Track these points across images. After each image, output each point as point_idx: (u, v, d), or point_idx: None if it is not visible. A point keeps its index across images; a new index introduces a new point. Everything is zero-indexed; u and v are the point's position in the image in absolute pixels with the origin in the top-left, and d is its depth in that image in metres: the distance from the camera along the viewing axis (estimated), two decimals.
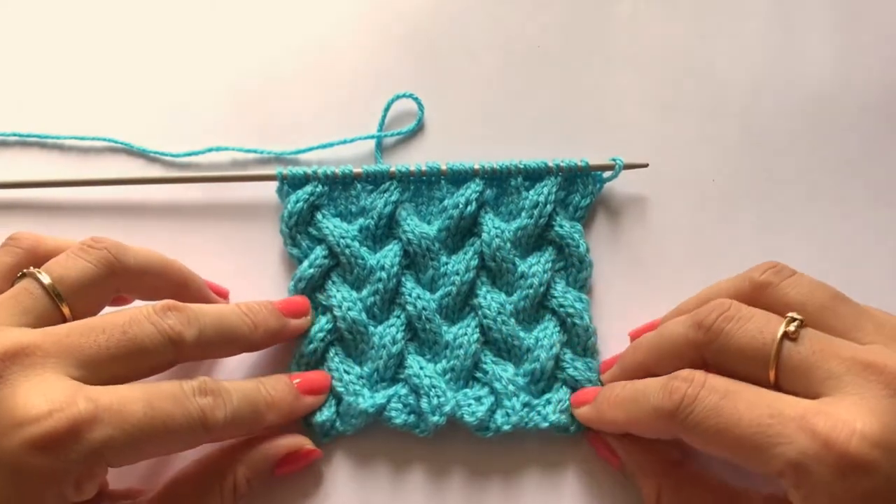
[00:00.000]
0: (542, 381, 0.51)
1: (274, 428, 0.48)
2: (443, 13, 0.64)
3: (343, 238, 0.53)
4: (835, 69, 0.61)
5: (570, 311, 0.52)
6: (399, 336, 0.51)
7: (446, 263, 0.53)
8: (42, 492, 0.38)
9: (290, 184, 0.55)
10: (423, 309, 0.52)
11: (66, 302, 0.44)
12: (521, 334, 0.52)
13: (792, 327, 0.42)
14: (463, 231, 0.54)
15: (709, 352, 0.44)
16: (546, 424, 0.49)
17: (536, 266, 0.53)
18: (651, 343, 0.47)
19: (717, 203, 0.57)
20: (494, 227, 0.53)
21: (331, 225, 0.53)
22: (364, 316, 0.52)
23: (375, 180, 0.55)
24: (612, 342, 0.53)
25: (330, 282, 0.53)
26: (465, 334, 0.51)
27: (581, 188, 0.55)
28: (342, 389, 0.50)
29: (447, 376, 0.51)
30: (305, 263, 0.53)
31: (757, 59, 0.62)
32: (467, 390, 0.51)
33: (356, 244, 0.53)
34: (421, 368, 0.51)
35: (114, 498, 0.45)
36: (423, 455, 0.50)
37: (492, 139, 0.59)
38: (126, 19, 0.64)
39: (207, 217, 0.57)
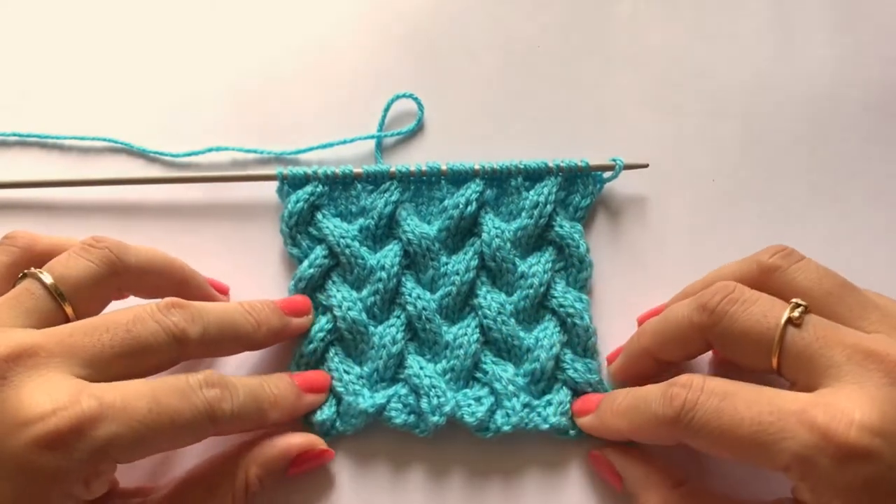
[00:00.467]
0: (543, 382, 0.51)
1: (278, 427, 0.48)
2: (443, 13, 0.64)
3: (343, 238, 0.53)
4: (835, 69, 0.61)
5: (571, 311, 0.52)
6: (399, 336, 0.51)
7: (446, 263, 0.53)
8: (50, 491, 0.38)
9: (291, 184, 0.55)
10: (424, 309, 0.52)
11: (69, 301, 0.44)
12: (522, 334, 0.52)
13: (796, 313, 0.42)
14: (463, 231, 0.54)
15: (712, 335, 0.44)
16: (546, 426, 0.49)
17: (536, 266, 0.53)
18: (655, 328, 0.47)
19: (717, 203, 0.57)
20: (494, 228, 0.53)
21: (331, 225, 0.53)
22: (364, 316, 0.52)
23: (376, 180, 0.55)
24: (613, 342, 0.53)
25: (330, 282, 0.53)
26: (466, 334, 0.51)
27: (581, 188, 0.55)
28: (342, 389, 0.50)
29: (447, 376, 0.51)
30: (305, 263, 0.53)
31: (757, 59, 0.62)
32: (467, 390, 0.51)
33: (356, 244, 0.53)
34: (421, 368, 0.51)
35: (124, 496, 0.45)
36: (423, 455, 0.50)
37: (491, 139, 0.59)
38: (126, 19, 0.64)
39: (207, 217, 0.57)
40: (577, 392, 0.51)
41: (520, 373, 0.51)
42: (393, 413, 0.50)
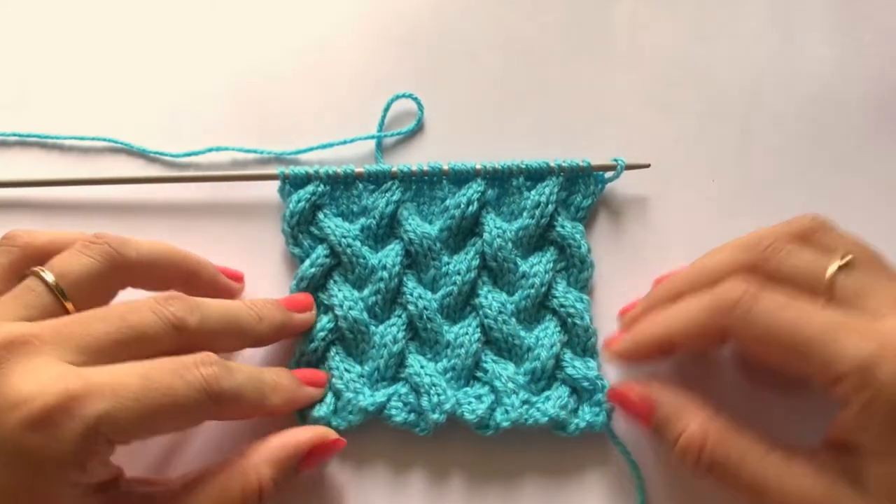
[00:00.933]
0: (543, 381, 0.51)
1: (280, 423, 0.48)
2: (443, 13, 0.64)
3: (345, 238, 0.53)
4: (835, 69, 0.61)
5: (571, 311, 0.52)
6: (400, 335, 0.51)
7: (448, 263, 0.53)
8: (45, 474, 0.38)
9: (292, 183, 0.55)
10: (425, 308, 0.52)
11: (70, 298, 0.44)
12: (522, 334, 0.52)
13: (846, 260, 0.43)
14: (464, 231, 0.54)
15: (762, 270, 0.44)
16: (545, 419, 0.49)
17: (538, 266, 0.53)
18: (692, 269, 0.48)
19: (717, 203, 0.57)
20: (496, 227, 0.53)
21: (332, 224, 0.53)
22: (365, 315, 0.52)
23: (377, 180, 0.55)
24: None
25: (331, 281, 0.53)
26: (466, 334, 0.51)
27: (582, 188, 0.55)
28: (342, 387, 0.50)
29: (448, 375, 0.51)
30: (307, 263, 0.53)
31: (757, 59, 0.62)
32: (467, 389, 0.51)
33: (357, 244, 0.53)
34: (422, 367, 0.51)
35: (131, 484, 0.44)
36: (423, 457, 0.50)
37: (491, 140, 0.59)
38: (126, 19, 0.64)
39: (208, 217, 0.57)
40: (575, 391, 0.51)
41: (520, 371, 0.51)
42: (393, 411, 0.50)
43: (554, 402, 0.49)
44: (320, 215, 0.54)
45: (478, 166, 0.54)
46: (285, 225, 0.54)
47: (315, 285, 0.53)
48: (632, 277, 0.55)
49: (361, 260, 0.53)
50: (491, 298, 0.52)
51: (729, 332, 0.44)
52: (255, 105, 0.61)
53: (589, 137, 0.59)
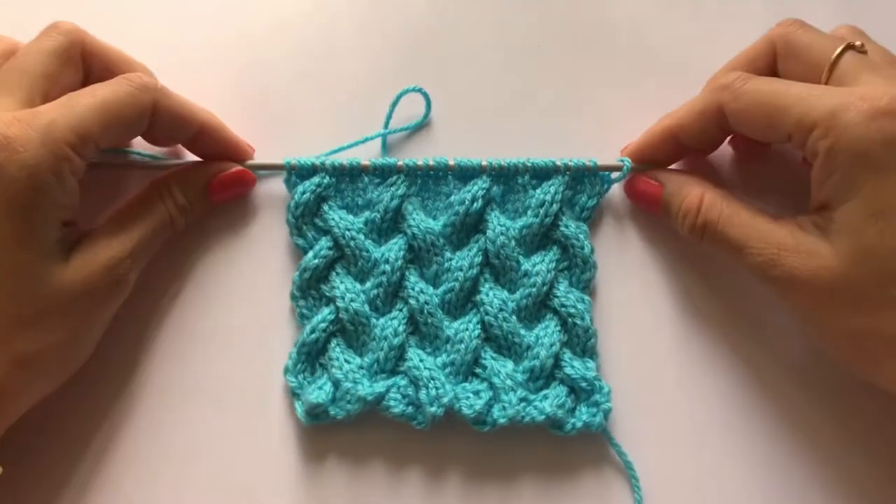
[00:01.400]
0: (541, 380, 0.51)
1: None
2: (447, 13, 0.63)
3: (349, 230, 0.53)
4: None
5: (572, 311, 0.52)
6: (401, 329, 0.52)
7: (450, 259, 0.53)
8: (26, 185, 0.44)
9: (298, 174, 0.55)
10: (426, 303, 0.52)
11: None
12: (522, 332, 0.52)
13: (860, 47, 0.48)
14: (468, 227, 0.54)
15: (783, 43, 0.51)
16: (542, 417, 0.49)
17: (540, 265, 0.53)
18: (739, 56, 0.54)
19: None
20: (500, 225, 0.53)
21: (336, 217, 0.54)
22: (366, 308, 0.52)
23: (383, 174, 0.55)
24: (613, 343, 0.53)
25: (334, 273, 0.53)
26: (467, 330, 0.52)
27: (588, 188, 0.55)
28: (341, 377, 0.51)
29: (447, 370, 0.51)
30: (310, 254, 0.53)
31: None
32: (466, 384, 0.51)
33: (361, 237, 0.53)
34: (421, 361, 0.51)
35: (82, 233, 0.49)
36: (420, 451, 0.51)
37: (498, 137, 0.59)
38: (126, 20, 0.63)
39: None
40: (573, 390, 0.51)
41: (519, 369, 0.51)
42: (392, 403, 0.50)
43: (552, 400, 0.50)
44: (325, 207, 0.54)
45: (483, 163, 0.54)
46: (290, 216, 0.54)
47: (318, 277, 0.53)
48: (634, 280, 0.55)
49: (364, 253, 0.53)
50: (492, 296, 0.52)
51: (724, 109, 0.49)
52: (259, 105, 0.60)
53: (588, 137, 0.58)
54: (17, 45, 0.51)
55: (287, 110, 0.60)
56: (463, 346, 0.51)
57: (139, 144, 0.55)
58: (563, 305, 0.52)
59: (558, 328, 0.52)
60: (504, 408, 0.50)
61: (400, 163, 0.55)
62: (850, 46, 0.48)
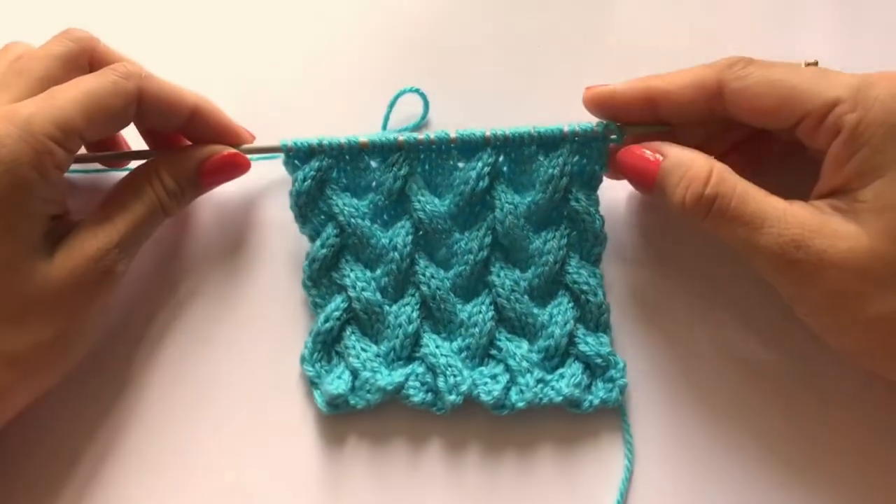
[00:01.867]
0: (556, 358, 0.51)
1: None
2: (445, 14, 0.61)
3: (353, 218, 0.52)
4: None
5: (585, 287, 0.52)
6: (414, 315, 0.52)
7: (459, 240, 0.52)
8: (3, 179, 0.43)
9: (297, 156, 0.53)
10: (438, 289, 0.52)
11: None
12: (535, 311, 0.52)
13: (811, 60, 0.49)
14: (476, 202, 0.53)
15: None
16: (560, 398, 0.50)
17: (552, 242, 0.52)
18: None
19: None
20: (508, 203, 0.52)
21: (341, 202, 0.52)
22: (378, 296, 0.52)
23: (383, 151, 0.53)
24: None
25: (343, 260, 0.53)
26: (480, 312, 0.52)
27: (596, 155, 0.52)
28: (359, 366, 0.51)
29: (463, 354, 0.51)
30: (317, 243, 0.52)
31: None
32: (483, 368, 0.51)
33: (367, 223, 0.52)
34: (437, 347, 0.51)
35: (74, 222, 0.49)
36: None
37: None
38: (126, 20, 0.60)
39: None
40: (588, 366, 0.51)
41: (534, 349, 0.51)
42: (411, 392, 0.51)
43: (568, 380, 0.50)
44: (328, 191, 0.52)
45: (487, 133, 0.52)
46: (293, 203, 0.52)
47: (327, 265, 0.52)
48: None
49: (372, 240, 0.52)
50: (503, 276, 0.52)
51: (724, 88, 0.47)
52: (258, 105, 0.58)
53: None
54: (31, 50, 0.50)
55: (285, 111, 0.58)
56: (477, 329, 0.51)
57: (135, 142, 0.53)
58: (575, 282, 0.52)
59: (571, 305, 0.52)
60: (521, 391, 0.50)
61: (400, 138, 0.52)
62: (809, 64, 0.48)
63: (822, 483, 0.51)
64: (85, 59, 0.50)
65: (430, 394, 0.51)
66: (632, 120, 0.51)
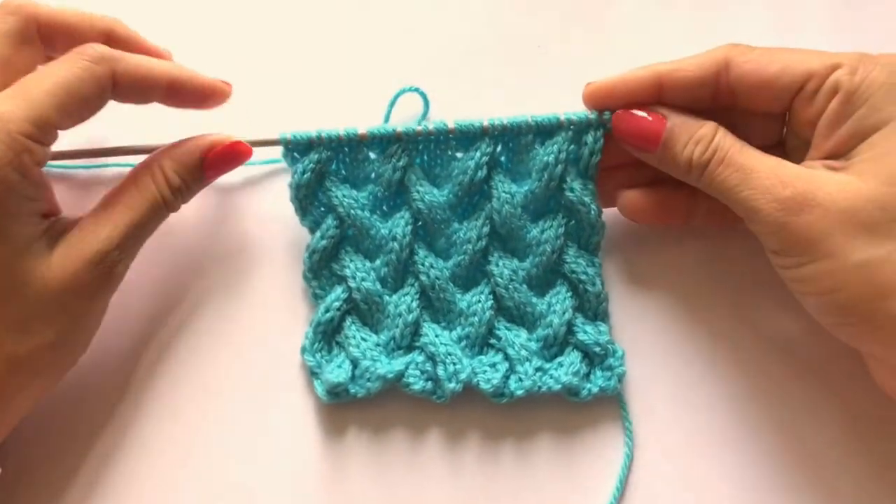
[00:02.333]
0: (555, 346, 0.52)
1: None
2: (445, 13, 0.61)
3: (353, 209, 0.52)
4: None
5: (583, 277, 0.52)
6: (414, 305, 0.52)
7: (458, 230, 0.53)
8: None
9: (296, 149, 0.53)
10: (437, 279, 0.52)
11: None
12: (534, 300, 0.52)
13: None
14: (474, 193, 0.53)
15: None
16: (558, 386, 0.51)
17: (549, 231, 0.52)
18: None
19: None
20: (505, 192, 0.52)
21: (340, 194, 0.52)
22: (378, 286, 0.52)
23: (381, 143, 0.53)
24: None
25: (343, 251, 0.53)
26: (479, 301, 0.52)
27: (591, 143, 0.52)
28: (359, 355, 0.52)
29: (462, 343, 0.52)
30: (317, 235, 0.53)
31: None
32: (482, 357, 0.52)
33: (366, 214, 0.53)
34: (436, 336, 0.52)
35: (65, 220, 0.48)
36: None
37: None
38: (126, 15, 0.58)
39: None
40: (587, 355, 0.52)
41: (533, 338, 0.52)
42: (411, 380, 0.51)
43: (566, 368, 0.51)
44: (327, 183, 0.53)
45: (485, 123, 0.52)
46: (293, 196, 0.53)
47: (327, 256, 0.53)
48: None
49: (371, 231, 0.53)
50: (502, 266, 0.52)
51: (731, 60, 0.48)
52: (257, 104, 0.58)
53: None
54: None
55: (284, 111, 0.58)
56: (476, 318, 0.52)
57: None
58: (573, 272, 0.52)
59: (569, 294, 0.52)
60: (520, 379, 0.51)
61: (399, 129, 0.53)
62: None
63: (821, 467, 0.51)
64: (32, 30, 0.48)
65: (429, 382, 0.51)
66: (635, 101, 0.51)
